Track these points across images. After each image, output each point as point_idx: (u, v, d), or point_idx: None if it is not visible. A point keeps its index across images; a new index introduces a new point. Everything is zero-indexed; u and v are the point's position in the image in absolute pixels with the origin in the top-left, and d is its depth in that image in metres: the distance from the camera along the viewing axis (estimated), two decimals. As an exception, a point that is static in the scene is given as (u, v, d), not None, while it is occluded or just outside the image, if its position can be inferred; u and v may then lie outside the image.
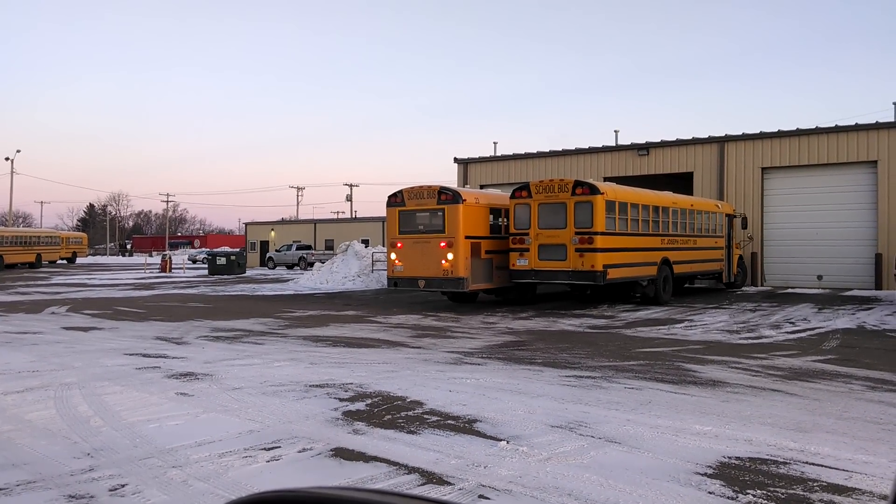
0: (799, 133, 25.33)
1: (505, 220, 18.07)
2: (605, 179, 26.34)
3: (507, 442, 5.53)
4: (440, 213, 16.89)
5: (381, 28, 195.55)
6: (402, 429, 5.99)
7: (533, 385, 7.86)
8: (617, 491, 4.45)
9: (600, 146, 29.81)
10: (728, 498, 4.34)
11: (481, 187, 28.62)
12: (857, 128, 24.33)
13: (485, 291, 18.40)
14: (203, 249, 76.63)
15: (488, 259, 17.32)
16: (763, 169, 26.05)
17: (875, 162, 23.96)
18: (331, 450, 5.38)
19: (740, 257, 24.52)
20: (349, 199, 78.89)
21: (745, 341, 11.59)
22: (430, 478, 4.73)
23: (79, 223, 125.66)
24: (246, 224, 59.55)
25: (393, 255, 17.59)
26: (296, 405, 6.88)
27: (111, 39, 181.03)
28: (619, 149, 29.42)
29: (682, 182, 27.59)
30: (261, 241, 54.98)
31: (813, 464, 5.00)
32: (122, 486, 4.61)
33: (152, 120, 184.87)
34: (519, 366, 9.19)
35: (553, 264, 16.69)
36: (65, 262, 56.67)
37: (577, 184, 16.63)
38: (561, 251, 16.56)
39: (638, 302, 18.61)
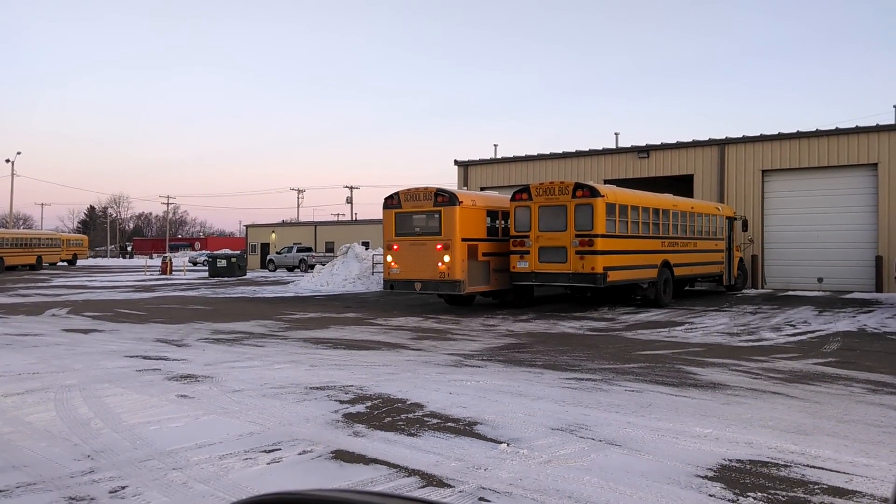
0: (799, 135, 25.34)
1: (502, 222, 18.03)
2: (606, 182, 26.35)
3: (508, 444, 5.52)
4: (437, 216, 16.78)
5: (382, 29, 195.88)
6: (402, 431, 5.99)
7: (533, 387, 7.85)
8: (617, 493, 4.45)
9: (600, 148, 29.83)
10: (729, 500, 4.34)
11: (482, 189, 28.63)
12: (858, 130, 24.34)
13: (482, 294, 18.30)
14: (203, 252, 76.69)
15: (485, 261, 17.24)
16: (763, 171, 26.06)
17: (875, 164, 23.97)
18: (331, 452, 5.38)
19: (741, 260, 24.52)
20: (349, 201, 78.93)
21: (745, 344, 11.59)
22: (431, 480, 4.73)
23: (79, 225, 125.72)
24: (246, 226, 59.57)
25: (389, 258, 17.48)
26: (296, 407, 6.88)
27: (112, 40, 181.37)
28: (619, 151, 29.43)
29: (682, 184, 27.59)
30: (261, 244, 55.00)
31: (814, 466, 5.00)
32: (123, 488, 4.61)
33: (153, 122, 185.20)
34: (519, 368, 9.18)
35: (553, 266, 16.68)
36: (65, 264, 56.71)
37: (578, 186, 16.63)
38: (561, 253, 16.55)
39: (638, 304, 18.61)
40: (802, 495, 4.44)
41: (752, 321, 15.00)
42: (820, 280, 24.66)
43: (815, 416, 6.54)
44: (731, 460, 5.15)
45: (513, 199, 17.56)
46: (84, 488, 4.61)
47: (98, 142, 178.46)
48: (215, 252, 50.30)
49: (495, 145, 33.62)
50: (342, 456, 5.28)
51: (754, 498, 4.39)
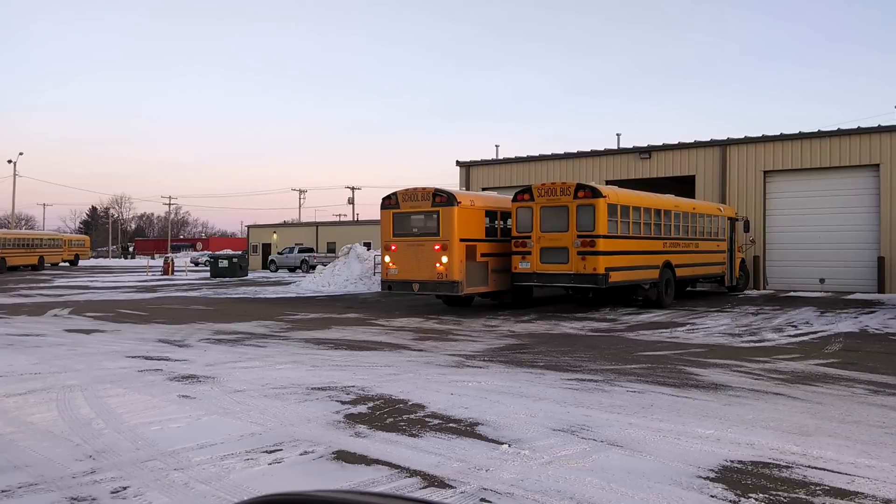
0: (801, 136, 25.32)
1: (501, 222, 17.99)
2: (607, 182, 26.35)
3: (509, 445, 5.52)
4: (435, 216, 16.67)
5: (383, 29, 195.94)
6: (403, 432, 5.99)
7: (535, 388, 7.85)
8: (619, 494, 4.44)
9: (602, 149, 29.83)
10: (730, 502, 4.34)
11: (483, 190, 28.62)
12: (860, 131, 24.32)
13: (480, 295, 18.20)
14: (205, 252, 76.72)
15: (484, 262, 17.14)
16: (765, 172, 26.05)
17: (877, 165, 23.94)
18: (332, 452, 5.38)
19: (742, 261, 24.50)
20: (351, 201, 79.02)
21: (747, 345, 11.58)
22: (432, 481, 4.73)
23: (81, 226, 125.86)
24: (248, 227, 59.62)
25: (387, 258, 17.34)
26: (298, 408, 6.88)
27: (113, 41, 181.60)
28: (620, 152, 29.43)
29: (684, 185, 27.58)
30: (263, 244, 55.05)
31: (815, 468, 4.99)
32: (124, 488, 4.62)
33: (154, 122, 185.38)
34: (521, 369, 9.18)
35: (555, 267, 16.67)
36: (67, 264, 56.75)
37: (580, 187, 16.63)
38: (563, 254, 16.54)
39: (640, 305, 18.60)
40: (804, 496, 4.43)
41: (754, 322, 14.99)
42: (822, 281, 24.64)
43: (817, 417, 6.53)
44: (732, 461, 5.14)
45: (514, 199, 17.55)
46: (86, 489, 4.61)
47: (100, 142, 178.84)
48: (217, 252, 50.31)
49: (497, 146, 33.69)
50: (344, 456, 5.28)
51: (756, 499, 4.38)
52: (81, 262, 61.00)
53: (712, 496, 4.43)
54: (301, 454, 5.35)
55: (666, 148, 28.16)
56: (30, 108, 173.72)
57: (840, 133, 24.66)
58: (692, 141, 27.61)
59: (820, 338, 12.46)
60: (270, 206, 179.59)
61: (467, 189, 30.21)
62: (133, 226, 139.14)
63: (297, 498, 1.25)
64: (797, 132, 25.47)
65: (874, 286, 23.69)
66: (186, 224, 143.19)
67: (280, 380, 8.35)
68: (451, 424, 6.23)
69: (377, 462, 5.13)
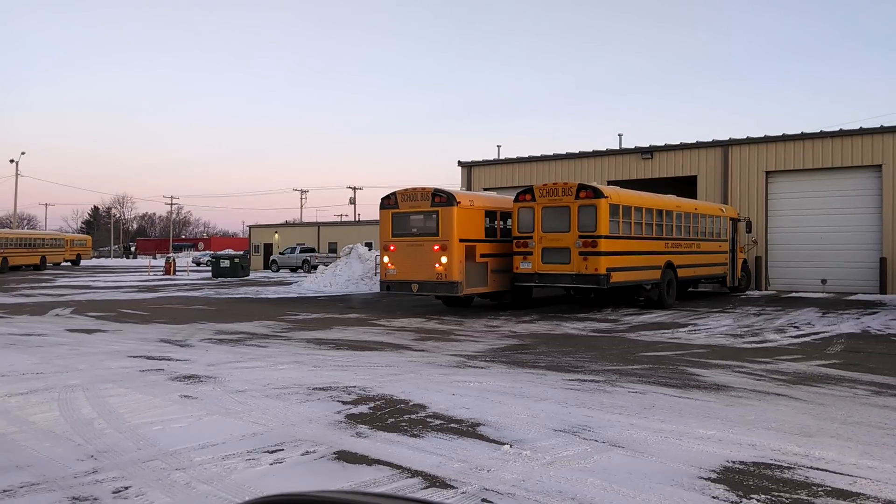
0: (803, 137, 25.29)
1: (501, 222, 17.96)
2: (609, 183, 26.34)
3: (511, 446, 5.52)
4: (434, 216, 16.60)
5: (386, 29, 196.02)
6: (405, 432, 5.99)
7: (536, 389, 7.85)
8: (620, 495, 4.44)
9: (604, 149, 29.82)
10: (732, 502, 4.33)
11: (485, 190, 28.62)
12: (862, 132, 24.29)
13: (480, 296, 18.14)
14: (207, 252, 76.77)
15: (483, 262, 17.07)
16: (767, 173, 26.02)
17: (879, 166, 23.91)
18: (334, 453, 5.38)
19: (744, 261, 24.48)
20: (353, 201, 79.04)
21: (749, 345, 11.57)
22: (433, 481, 4.73)
23: (83, 225, 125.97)
24: (250, 227, 59.65)
25: (386, 259, 17.28)
26: (299, 408, 6.88)
27: (114, 41, 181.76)
28: (622, 152, 29.42)
29: (685, 186, 27.56)
30: (264, 244, 55.07)
31: (817, 468, 4.99)
32: (126, 488, 4.62)
33: (156, 122, 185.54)
34: (522, 369, 9.18)
35: (557, 268, 16.66)
36: (69, 264, 56.82)
37: (581, 187, 16.62)
38: (565, 254, 16.53)
39: (642, 306, 18.59)
40: (806, 497, 4.43)
41: (756, 323, 14.98)
42: (824, 282, 24.61)
43: (819, 417, 6.52)
44: (734, 462, 5.14)
45: (516, 199, 17.54)
46: (87, 488, 4.62)
47: (102, 142, 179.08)
48: (219, 252, 50.31)
49: (499, 146, 33.70)
50: (345, 457, 5.28)
51: (758, 500, 4.38)
52: (83, 262, 61.06)
53: (714, 497, 4.42)
54: (302, 454, 5.35)
55: (668, 148, 28.15)
56: (32, 107, 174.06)
57: (842, 133, 24.64)
58: (694, 141, 27.61)
59: (822, 339, 12.44)
60: (272, 207, 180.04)
61: (469, 189, 30.21)
62: (135, 226, 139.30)
63: (298, 498, 1.25)
64: (799, 132, 25.45)
65: (876, 287, 23.66)
66: (188, 224, 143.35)
67: (281, 380, 8.36)
68: (452, 425, 6.23)
69: (378, 462, 5.13)
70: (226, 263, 38.44)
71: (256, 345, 11.65)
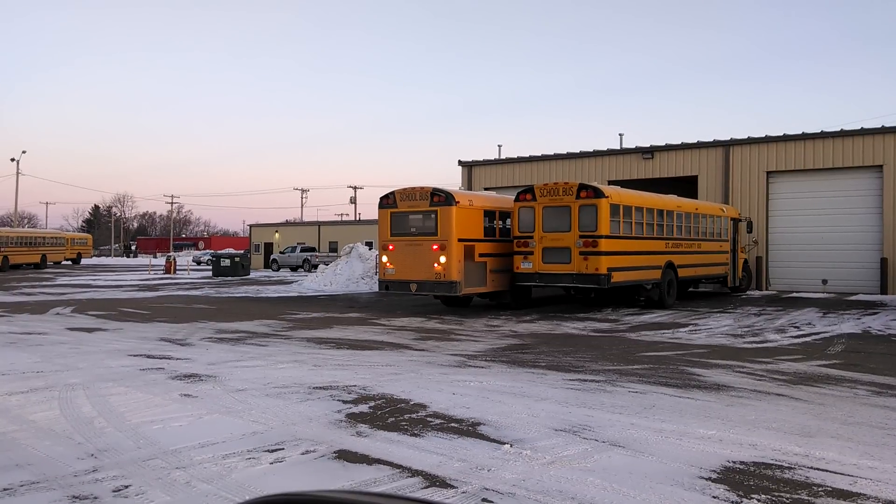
0: (804, 137, 25.28)
1: (500, 222, 17.92)
2: (610, 183, 26.33)
3: (511, 445, 5.52)
4: (433, 215, 16.54)
5: (386, 28, 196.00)
6: (405, 431, 5.98)
7: (537, 388, 7.85)
8: (621, 495, 4.44)
9: (605, 149, 29.81)
10: (732, 502, 4.33)
11: (486, 190, 28.61)
12: (863, 132, 24.28)
13: (479, 295, 18.06)
14: (207, 251, 76.82)
15: (482, 262, 17.00)
16: (768, 173, 26.02)
17: (880, 166, 23.90)
18: (334, 452, 5.38)
19: (745, 261, 24.47)
20: (353, 201, 79.07)
21: (749, 345, 11.57)
22: (434, 481, 4.72)
23: (84, 224, 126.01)
24: (250, 226, 59.63)
25: (384, 258, 17.20)
26: (299, 407, 6.88)
27: (115, 40, 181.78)
28: (623, 152, 29.41)
29: (686, 185, 27.55)
30: (265, 243, 55.06)
31: (818, 469, 4.99)
32: (126, 486, 4.62)
33: (157, 121, 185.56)
34: (522, 369, 9.18)
35: (557, 267, 16.65)
36: (70, 262, 56.84)
37: (582, 187, 16.61)
38: (565, 254, 16.52)
39: (642, 306, 18.59)
40: (806, 497, 4.42)
41: (757, 323, 14.97)
42: (824, 282, 24.60)
43: (820, 418, 6.52)
44: (734, 462, 5.13)
45: (517, 199, 17.52)
46: (87, 487, 4.62)
47: (103, 141, 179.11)
48: (219, 251, 50.32)
49: (499, 146, 33.71)
50: (345, 456, 5.28)
51: (758, 500, 4.37)
52: (84, 261, 61.10)
53: (714, 497, 4.42)
54: (303, 453, 5.35)
55: (669, 148, 28.14)
56: (33, 106, 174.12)
57: (843, 134, 24.63)
58: (695, 141, 27.60)
59: (822, 339, 12.44)
60: (273, 206, 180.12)
61: (470, 189, 30.20)
62: (135, 224, 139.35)
63: (298, 498, 1.25)
64: (800, 133, 25.43)
65: (877, 287, 23.65)
66: (189, 223, 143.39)
67: (282, 379, 8.36)
68: (452, 424, 6.23)
69: (379, 462, 5.13)
70: (226, 262, 38.45)
71: (257, 344, 11.65)
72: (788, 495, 4.46)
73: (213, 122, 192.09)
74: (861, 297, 22.60)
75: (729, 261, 22.80)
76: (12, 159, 65.26)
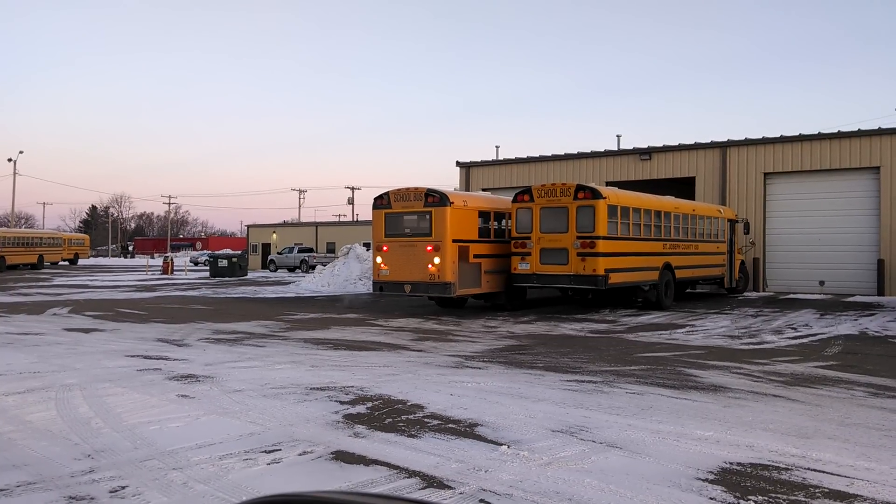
0: (801, 138, 25.32)
1: (496, 223, 17.89)
2: (607, 184, 26.35)
3: (508, 446, 5.52)
4: (427, 216, 16.44)
5: (384, 29, 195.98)
6: (402, 432, 5.98)
7: (534, 389, 7.85)
8: (618, 496, 4.44)
9: (602, 150, 29.84)
10: (729, 504, 4.33)
11: (483, 191, 28.62)
12: (860, 133, 24.33)
13: (473, 297, 17.96)
14: (205, 252, 76.73)
15: (476, 263, 16.91)
16: (765, 174, 26.06)
17: (878, 168, 23.95)
18: (331, 453, 5.37)
19: (742, 262, 24.51)
20: (351, 201, 79.05)
21: (746, 347, 11.58)
22: (431, 482, 4.72)
23: (81, 225, 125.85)
24: (248, 226, 59.61)
25: (378, 259, 17.10)
26: (296, 408, 6.88)
27: (113, 40, 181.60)
28: (621, 153, 29.44)
29: (684, 187, 27.58)
30: (262, 244, 55.04)
31: (815, 470, 4.99)
32: (123, 487, 4.61)
33: (155, 122, 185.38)
34: (520, 370, 9.18)
35: (555, 268, 16.65)
36: (67, 263, 56.75)
37: (580, 188, 16.62)
38: (563, 255, 16.53)
39: (639, 307, 18.60)
40: (803, 499, 4.43)
41: (754, 324, 14.99)
42: (821, 283, 24.64)
43: (817, 419, 6.53)
44: (731, 463, 5.14)
45: (514, 200, 17.52)
46: (84, 488, 4.61)
47: (100, 141, 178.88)
48: (216, 252, 50.30)
49: (497, 146, 33.64)
50: (342, 457, 5.27)
51: (755, 501, 4.38)
52: (81, 261, 60.99)
53: (711, 498, 4.42)
54: (300, 454, 5.34)
55: (666, 149, 28.17)
56: (30, 106, 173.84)
57: (840, 135, 24.67)
58: (692, 142, 27.64)
59: (819, 340, 12.45)
60: (270, 206, 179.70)
61: (468, 190, 30.22)
62: (133, 225, 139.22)
63: (296, 499, 1.25)
64: (797, 134, 25.48)
65: (874, 289, 23.70)
66: (186, 223, 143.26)
67: (279, 380, 8.35)
68: (450, 425, 6.23)
69: (376, 462, 5.12)
70: (224, 263, 38.42)
71: (254, 344, 11.64)
72: (785, 496, 4.46)
73: (210, 122, 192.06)
74: (858, 298, 22.63)
75: (726, 262, 22.83)
76: (9, 159, 65.14)
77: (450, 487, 4.60)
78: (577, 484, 4.66)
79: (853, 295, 23.61)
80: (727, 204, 25.94)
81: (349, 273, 28.43)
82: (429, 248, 16.27)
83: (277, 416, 6.54)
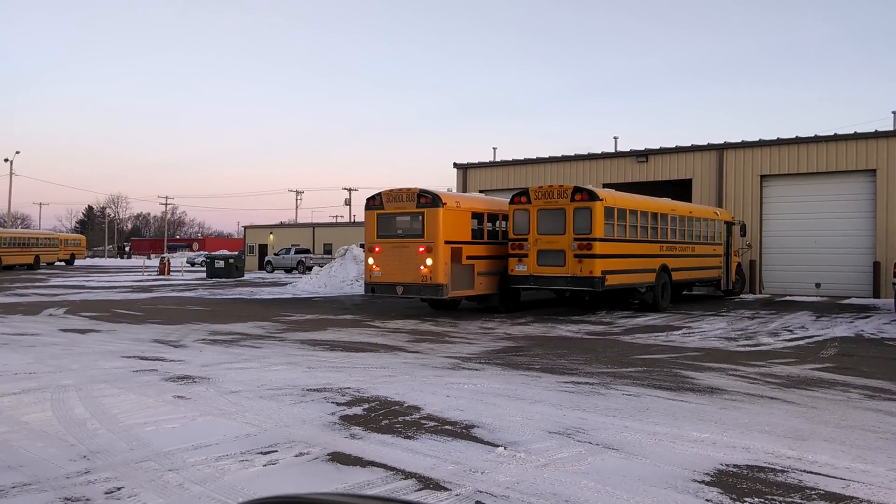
0: (798, 141, 25.38)
1: (490, 224, 17.87)
2: (605, 186, 26.36)
3: (505, 448, 5.52)
4: (420, 217, 16.35)
5: (381, 31, 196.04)
6: (399, 434, 5.98)
7: (531, 391, 7.85)
8: (614, 498, 4.44)
9: (599, 152, 29.88)
10: (725, 506, 4.34)
11: (480, 192, 28.61)
12: (856, 136, 24.39)
13: (467, 299, 17.86)
14: (201, 252, 76.64)
15: (469, 265, 16.81)
16: (762, 176, 26.11)
17: (874, 170, 24.01)
18: (328, 454, 5.37)
19: (738, 265, 24.55)
20: (348, 203, 78.95)
21: (743, 349, 11.59)
22: (427, 483, 4.72)
23: (77, 225, 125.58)
24: (245, 227, 59.55)
25: (370, 260, 17.00)
26: (293, 409, 6.87)
27: (111, 41, 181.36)
28: (618, 155, 29.48)
29: (681, 189, 27.63)
30: (259, 245, 54.98)
31: (810, 472, 5.00)
32: (119, 489, 4.60)
33: (152, 122, 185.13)
34: (517, 371, 9.18)
35: (552, 270, 16.66)
36: (63, 263, 56.64)
37: (577, 190, 16.64)
38: (560, 257, 16.54)
39: (636, 308, 18.62)
40: (799, 501, 4.44)
41: (750, 326, 15.02)
42: (818, 285, 24.69)
43: (813, 421, 6.54)
44: (728, 465, 5.14)
45: (511, 202, 17.53)
46: (80, 489, 4.60)
47: (96, 142, 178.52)
48: (213, 253, 50.28)
49: (494, 148, 33.65)
50: (339, 458, 5.27)
51: (751, 503, 4.38)
52: (77, 262, 60.89)
53: (708, 500, 4.43)
54: (296, 455, 5.33)
55: (663, 151, 28.22)
56: (26, 106, 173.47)
57: (836, 138, 24.73)
58: (689, 145, 27.68)
59: (815, 342, 12.48)
60: (267, 207, 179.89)
61: (465, 191, 30.22)
62: (129, 226, 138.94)
63: (293, 500, 1.25)
64: (794, 137, 25.53)
65: (870, 291, 23.76)
66: (183, 224, 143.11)
67: (275, 381, 8.34)
68: (446, 427, 6.23)
69: (372, 464, 5.12)
70: (220, 264, 38.37)
71: (251, 346, 11.62)
72: (781, 498, 4.47)
73: (208, 123, 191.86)
74: (854, 300, 22.69)
75: (722, 264, 22.87)
76: (6, 159, 65.07)
77: (446, 489, 4.60)
78: (574, 485, 4.66)
79: (849, 297, 23.66)
80: (724, 206, 25.98)
81: (346, 274, 28.42)
82: (421, 249, 16.18)
83: (274, 417, 6.53)
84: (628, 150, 29.24)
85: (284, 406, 7.00)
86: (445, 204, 16.32)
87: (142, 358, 10.19)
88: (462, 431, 6.07)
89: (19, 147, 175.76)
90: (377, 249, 16.93)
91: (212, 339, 12.38)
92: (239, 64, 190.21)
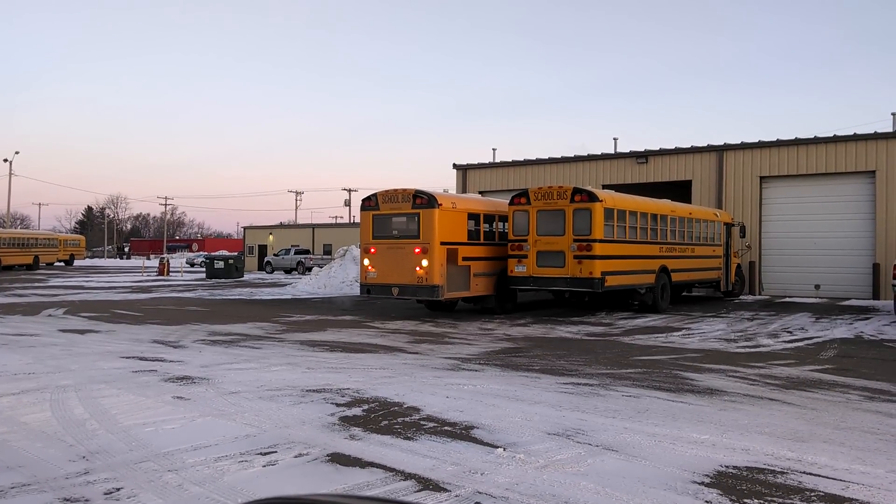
0: (797, 142, 25.40)
1: (486, 225, 17.85)
2: (604, 187, 26.35)
3: (504, 449, 5.52)
4: (415, 218, 16.28)
5: (381, 31, 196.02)
6: (398, 435, 5.98)
7: (530, 392, 7.85)
8: (614, 499, 4.44)
9: (599, 154, 29.90)
10: (725, 507, 4.33)
11: (480, 193, 28.62)
12: (856, 137, 24.40)
13: (463, 300, 17.79)
14: (201, 253, 76.65)
15: (465, 266, 16.75)
16: (761, 178, 26.12)
17: (873, 172, 24.02)
18: (327, 455, 5.36)
19: (738, 266, 24.56)
20: (347, 203, 78.95)
21: (742, 350, 11.60)
22: (427, 484, 4.72)
23: (77, 225, 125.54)
24: (244, 228, 59.55)
25: (366, 261, 16.95)
26: (292, 410, 6.87)
27: (110, 41, 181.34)
28: (618, 156, 29.50)
29: (680, 190, 27.64)
30: (259, 246, 54.98)
31: (810, 473, 5.00)
32: (118, 489, 4.60)
33: (151, 122, 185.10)
34: (516, 372, 9.18)
35: (551, 271, 16.65)
36: (62, 264, 56.62)
37: (576, 191, 16.64)
38: (559, 258, 16.54)
39: (636, 310, 18.62)
40: (799, 502, 4.44)
41: (750, 327, 15.02)
42: (817, 287, 24.70)
43: (812, 422, 6.54)
44: (727, 466, 5.14)
45: (511, 203, 17.53)
46: (79, 489, 4.59)
47: (96, 142, 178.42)
48: (213, 253, 50.28)
49: (494, 149, 33.62)
50: (338, 459, 5.27)
51: (751, 504, 4.38)
52: (77, 262, 60.86)
53: (707, 501, 4.43)
54: (296, 456, 5.33)
55: (663, 153, 28.24)
56: (26, 106, 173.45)
57: (836, 139, 24.74)
58: (689, 146, 27.69)
59: (815, 344, 12.48)
60: (267, 208, 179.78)
61: (465, 192, 30.23)
62: (129, 226, 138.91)
63: (293, 501, 1.24)
64: (793, 138, 25.55)
65: (869, 292, 23.76)
66: (182, 225, 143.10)
67: (275, 382, 8.34)
68: (446, 428, 6.23)
69: (372, 465, 5.12)
70: (220, 265, 38.36)
71: (250, 346, 11.62)
72: (781, 500, 4.47)
73: (207, 123, 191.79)
74: (853, 302, 22.69)
75: (722, 265, 22.88)
76: (5, 160, 65.07)
77: (446, 490, 4.60)
78: (573, 487, 4.66)
79: (849, 298, 23.67)
80: (723, 207, 25.99)
81: (345, 275, 28.42)
82: (417, 250, 16.11)
83: (273, 418, 6.53)
84: (628, 151, 29.25)
85: (284, 407, 7.00)
86: (441, 205, 16.27)
87: (141, 358, 10.18)
88: (461, 432, 6.07)
89: (19, 147, 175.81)
90: (373, 250, 16.90)
91: (211, 340, 12.37)
92: (239, 64, 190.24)
